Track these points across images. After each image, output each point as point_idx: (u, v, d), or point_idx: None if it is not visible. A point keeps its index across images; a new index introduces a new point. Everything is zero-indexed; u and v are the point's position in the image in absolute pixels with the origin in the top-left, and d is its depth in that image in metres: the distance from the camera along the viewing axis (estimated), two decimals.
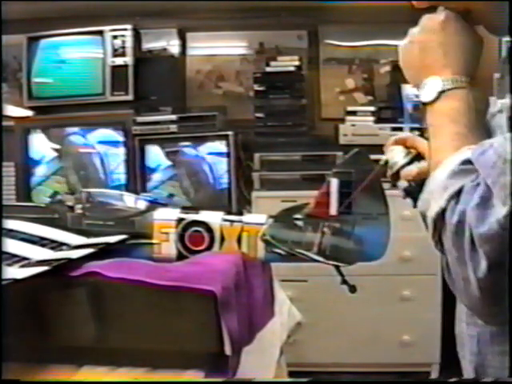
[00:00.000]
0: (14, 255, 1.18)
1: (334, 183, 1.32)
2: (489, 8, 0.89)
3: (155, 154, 3.12)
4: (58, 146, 3.20)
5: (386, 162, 1.13)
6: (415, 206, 1.11)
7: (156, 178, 3.12)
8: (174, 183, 3.11)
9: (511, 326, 0.79)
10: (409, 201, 1.12)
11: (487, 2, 0.89)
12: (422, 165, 1.09)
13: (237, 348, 1.18)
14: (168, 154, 3.12)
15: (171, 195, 3.09)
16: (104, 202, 1.44)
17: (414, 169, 1.08)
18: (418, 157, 1.10)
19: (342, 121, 3.19)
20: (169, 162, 3.12)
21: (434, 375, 2.98)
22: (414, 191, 1.09)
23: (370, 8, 3.26)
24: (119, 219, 1.37)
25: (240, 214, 1.42)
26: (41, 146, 3.20)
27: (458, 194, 0.77)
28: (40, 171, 3.20)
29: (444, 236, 0.79)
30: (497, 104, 0.85)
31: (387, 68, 3.47)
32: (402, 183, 1.10)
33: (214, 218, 1.35)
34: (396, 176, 1.11)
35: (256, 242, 1.33)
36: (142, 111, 3.18)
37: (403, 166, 1.09)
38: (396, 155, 1.11)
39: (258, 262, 1.38)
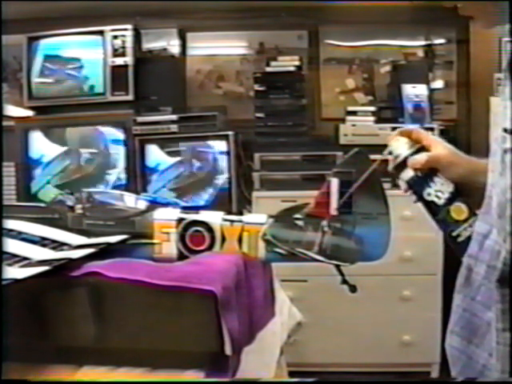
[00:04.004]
0: (15, 255, 1.18)
1: (334, 183, 1.31)
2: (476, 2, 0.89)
3: (155, 154, 3.12)
4: (60, 146, 3.20)
5: (390, 153, 1.11)
6: (418, 199, 1.09)
7: (156, 177, 3.12)
8: (174, 183, 3.12)
9: (511, 325, 0.79)
10: (410, 194, 1.10)
11: None
12: (431, 154, 1.07)
13: (237, 348, 1.18)
14: (168, 154, 3.12)
15: (172, 195, 3.09)
16: (104, 202, 1.44)
17: (424, 156, 1.07)
18: (423, 149, 1.08)
19: (342, 121, 3.19)
20: (169, 162, 3.12)
21: (434, 375, 2.99)
22: (419, 182, 1.08)
23: (370, 8, 3.26)
24: (120, 219, 1.37)
25: (240, 213, 1.42)
26: (41, 145, 3.20)
27: None
28: (47, 170, 3.20)
29: None
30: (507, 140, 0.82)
31: (387, 68, 3.48)
32: (407, 174, 1.08)
33: (214, 217, 1.35)
34: (400, 168, 1.09)
35: (257, 242, 1.32)
36: (142, 111, 3.18)
37: (408, 157, 1.08)
38: (400, 146, 1.09)
39: (259, 262, 1.38)
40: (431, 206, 1.06)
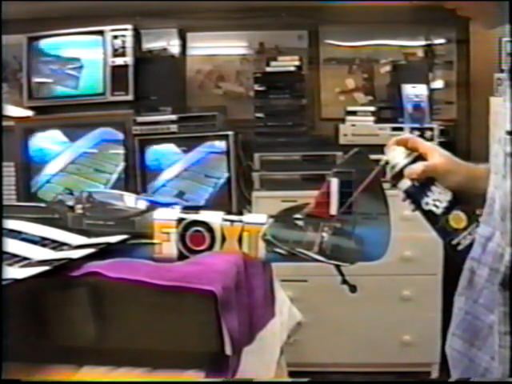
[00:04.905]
0: (15, 255, 1.18)
1: (334, 183, 1.32)
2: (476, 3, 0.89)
3: (155, 154, 3.12)
4: (59, 145, 3.20)
5: (387, 163, 1.11)
6: (417, 209, 1.08)
7: (156, 177, 3.12)
8: (174, 183, 3.12)
9: (511, 325, 0.79)
10: (408, 203, 1.09)
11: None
12: (427, 163, 1.07)
13: (237, 348, 1.18)
14: (168, 154, 3.12)
15: (172, 195, 3.09)
16: (104, 202, 1.44)
17: (420, 166, 1.06)
18: (420, 158, 1.08)
19: (342, 121, 3.19)
20: (168, 162, 3.12)
21: (434, 375, 2.99)
22: (417, 192, 1.07)
23: (370, 8, 3.26)
24: (120, 219, 1.37)
25: (240, 213, 1.42)
26: (41, 145, 3.20)
27: None
28: (47, 169, 3.20)
29: None
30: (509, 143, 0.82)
31: (387, 68, 3.48)
32: (404, 184, 1.07)
33: (214, 217, 1.35)
34: (397, 177, 1.08)
35: (257, 242, 1.32)
36: (142, 111, 3.18)
37: (405, 167, 1.08)
38: (397, 156, 1.09)
39: (259, 262, 1.38)
40: (429, 216, 1.05)
